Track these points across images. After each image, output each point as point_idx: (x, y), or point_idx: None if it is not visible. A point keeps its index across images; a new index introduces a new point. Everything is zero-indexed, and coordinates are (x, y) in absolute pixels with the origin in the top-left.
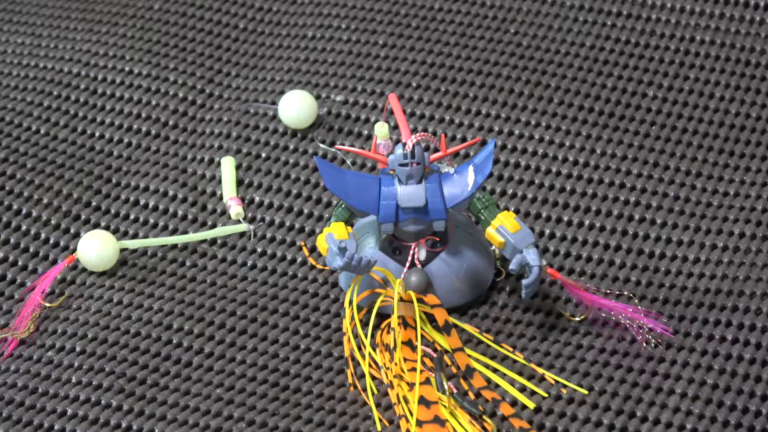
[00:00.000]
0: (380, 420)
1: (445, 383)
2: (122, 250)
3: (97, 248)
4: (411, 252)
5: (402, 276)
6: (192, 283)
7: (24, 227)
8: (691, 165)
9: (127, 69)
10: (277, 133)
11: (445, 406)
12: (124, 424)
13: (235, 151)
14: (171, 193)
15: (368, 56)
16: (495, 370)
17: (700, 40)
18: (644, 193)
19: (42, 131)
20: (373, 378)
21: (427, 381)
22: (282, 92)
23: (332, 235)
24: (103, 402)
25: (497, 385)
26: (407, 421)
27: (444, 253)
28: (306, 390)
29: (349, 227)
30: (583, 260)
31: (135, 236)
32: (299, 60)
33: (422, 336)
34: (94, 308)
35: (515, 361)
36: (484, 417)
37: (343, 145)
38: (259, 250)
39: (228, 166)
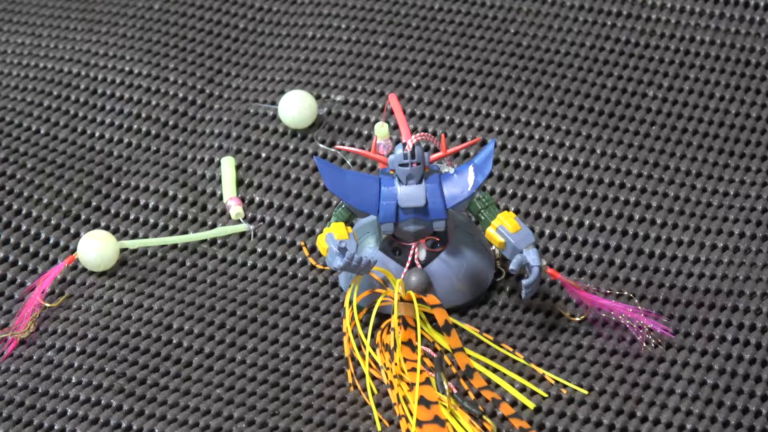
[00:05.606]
0: (380, 420)
1: (445, 383)
2: (122, 250)
3: (97, 248)
4: (411, 252)
5: (402, 276)
6: (192, 283)
7: (24, 227)
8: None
9: (127, 69)
10: (277, 133)
11: (445, 406)
12: (124, 424)
13: (235, 151)
14: (171, 193)
15: (368, 56)
16: (495, 370)
17: (700, 40)
18: (644, 193)
19: (42, 131)
20: (373, 378)
21: (427, 381)
22: (282, 92)
23: (332, 235)
24: (103, 402)
25: (497, 385)
26: (407, 421)
27: (444, 253)
28: (306, 390)
29: (349, 227)
30: (583, 260)
31: (135, 236)
32: (299, 60)
33: (422, 336)
34: (94, 308)
35: (515, 361)
36: (484, 417)
37: (343, 145)
38: (259, 250)
39: (228, 166)
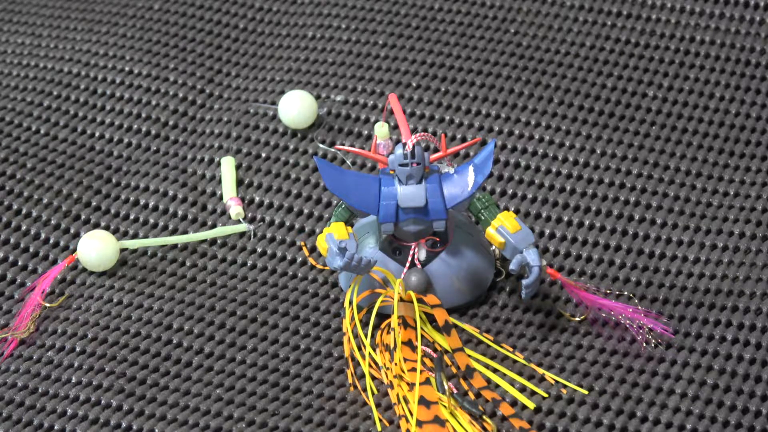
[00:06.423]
0: (380, 420)
1: (445, 383)
2: (122, 250)
3: (97, 248)
4: (411, 252)
5: (402, 276)
6: (192, 283)
7: (24, 227)
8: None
9: (127, 69)
10: (277, 133)
11: (445, 406)
12: (124, 424)
13: (235, 151)
14: (171, 193)
15: (368, 56)
16: (495, 370)
17: (700, 40)
18: (644, 193)
19: (42, 131)
20: (373, 378)
21: (427, 381)
22: (282, 92)
23: (332, 235)
24: (103, 402)
25: (497, 385)
26: (407, 421)
27: (444, 253)
28: (306, 390)
29: (349, 227)
30: (583, 260)
31: (135, 236)
32: (299, 60)
33: (422, 336)
34: (94, 308)
35: (515, 361)
36: (484, 417)
37: (343, 145)
38: (259, 250)
39: (228, 166)
